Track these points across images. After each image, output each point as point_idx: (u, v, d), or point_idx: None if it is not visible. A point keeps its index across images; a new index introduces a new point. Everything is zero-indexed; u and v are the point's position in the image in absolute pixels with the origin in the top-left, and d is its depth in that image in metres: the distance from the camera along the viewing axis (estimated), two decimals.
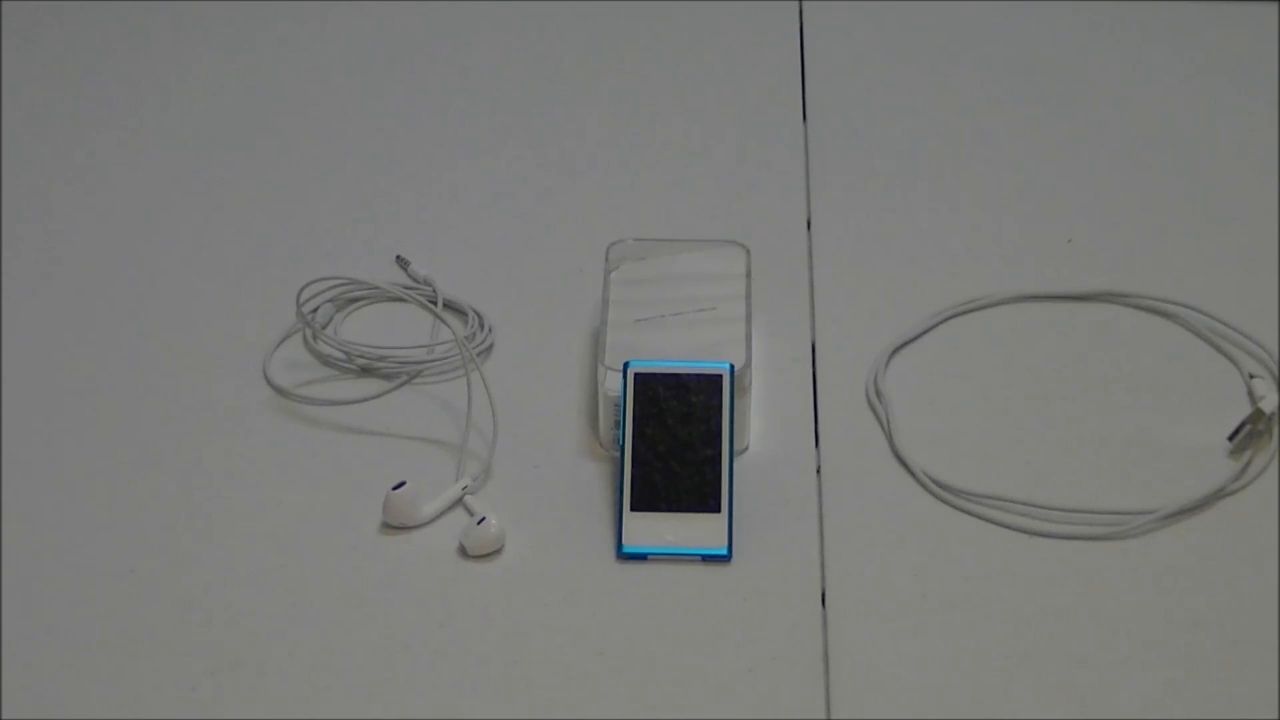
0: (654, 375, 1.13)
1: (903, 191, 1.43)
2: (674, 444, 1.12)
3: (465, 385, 1.19)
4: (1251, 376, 1.22)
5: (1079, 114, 1.52)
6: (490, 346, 1.27)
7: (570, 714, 1.00)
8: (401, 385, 1.23)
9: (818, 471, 1.16)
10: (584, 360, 1.25)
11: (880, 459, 1.17)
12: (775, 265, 1.33)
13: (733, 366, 1.13)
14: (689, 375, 1.13)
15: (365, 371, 1.25)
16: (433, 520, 1.12)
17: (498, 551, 1.10)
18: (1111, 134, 1.49)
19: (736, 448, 1.14)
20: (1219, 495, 1.13)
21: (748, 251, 1.25)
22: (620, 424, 1.13)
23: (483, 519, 1.10)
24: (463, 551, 1.10)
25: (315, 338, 1.26)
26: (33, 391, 1.23)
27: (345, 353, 1.25)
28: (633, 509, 1.11)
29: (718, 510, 1.10)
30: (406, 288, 1.30)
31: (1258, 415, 1.16)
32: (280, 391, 1.23)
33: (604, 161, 1.47)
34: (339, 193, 1.43)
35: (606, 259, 1.25)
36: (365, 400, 1.21)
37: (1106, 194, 1.42)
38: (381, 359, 1.24)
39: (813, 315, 1.29)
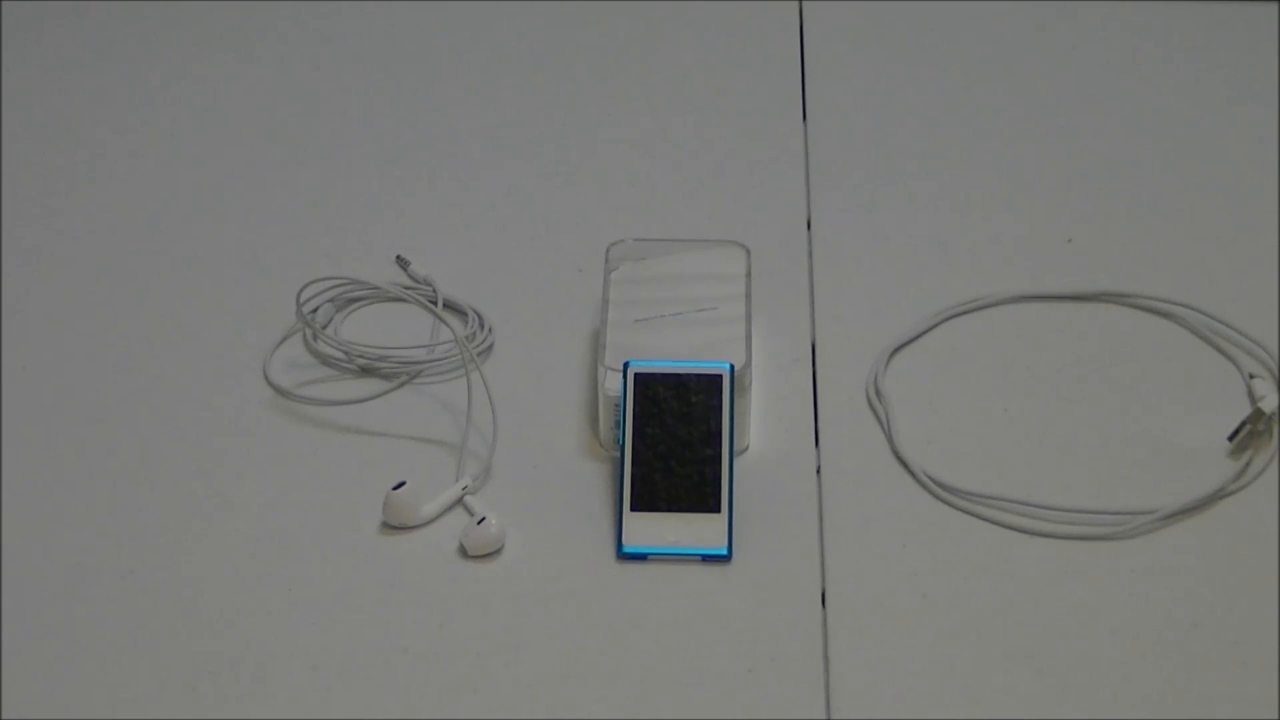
0: (654, 375, 1.13)
1: (903, 191, 1.43)
2: (674, 444, 1.12)
3: (465, 385, 1.19)
4: (1251, 376, 1.22)
5: (1079, 114, 1.52)
6: (490, 346, 1.27)
7: (570, 714, 1.00)
8: (401, 385, 1.23)
9: (818, 471, 1.16)
10: (584, 360, 1.25)
11: (880, 459, 1.17)
12: (775, 265, 1.33)
13: (733, 366, 1.13)
14: (689, 375, 1.13)
15: (365, 371, 1.25)
16: (433, 520, 1.12)
17: (498, 551, 1.10)
18: (1111, 134, 1.49)
19: (736, 448, 1.14)
20: (1219, 495, 1.13)
21: (748, 251, 1.25)
22: (620, 424, 1.13)
23: (483, 519, 1.10)
24: (463, 551, 1.10)
25: (315, 338, 1.26)
26: (33, 391, 1.23)
27: (345, 353, 1.25)
28: (633, 509, 1.11)
29: (718, 510, 1.10)
30: (406, 288, 1.30)
31: (1258, 415, 1.16)
32: (280, 391, 1.23)
33: (604, 161, 1.47)
34: (339, 193, 1.43)
35: (606, 259, 1.25)
36: (365, 400, 1.21)
37: (1106, 194, 1.42)
38: (381, 359, 1.24)
39: (813, 315, 1.29)
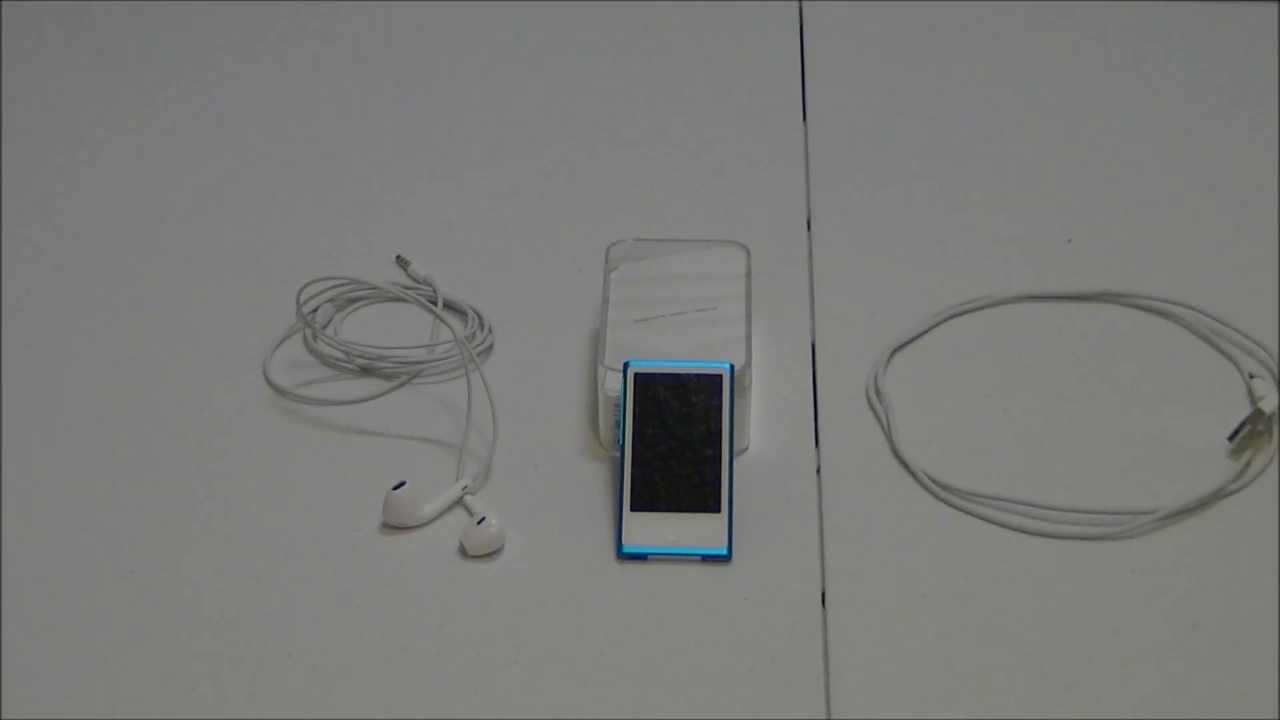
0: (654, 375, 1.13)
1: (903, 191, 1.43)
2: (674, 444, 1.12)
3: (465, 385, 1.19)
4: (1251, 376, 1.22)
5: (1079, 114, 1.52)
6: (490, 346, 1.27)
7: (570, 714, 1.00)
8: (401, 385, 1.23)
9: (818, 471, 1.16)
10: (584, 360, 1.25)
11: (880, 459, 1.17)
12: (775, 265, 1.33)
13: (733, 366, 1.13)
14: (689, 375, 1.13)
15: (365, 371, 1.25)
16: (433, 520, 1.12)
17: (498, 551, 1.10)
18: (1111, 134, 1.49)
19: (736, 448, 1.14)
20: (1219, 495, 1.13)
21: (748, 251, 1.25)
22: (620, 424, 1.13)
23: (483, 519, 1.10)
24: (463, 551, 1.10)
25: (315, 338, 1.26)
26: (33, 391, 1.23)
27: (345, 353, 1.25)
28: (633, 509, 1.11)
29: (718, 510, 1.10)
30: (406, 288, 1.30)
31: (1258, 415, 1.16)
32: (280, 391, 1.23)
33: (604, 161, 1.47)
34: (339, 193, 1.43)
35: (606, 259, 1.25)
36: (365, 400, 1.21)
37: (1106, 194, 1.42)
38: (381, 359, 1.24)
39: (813, 315, 1.29)
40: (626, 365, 1.13)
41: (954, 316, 1.29)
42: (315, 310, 1.28)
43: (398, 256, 1.35)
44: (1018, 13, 1.66)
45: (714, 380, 1.13)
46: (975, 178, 1.44)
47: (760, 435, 1.19)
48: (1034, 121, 1.51)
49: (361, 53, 1.62)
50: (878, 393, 1.21)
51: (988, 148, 1.48)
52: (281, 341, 1.27)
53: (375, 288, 1.29)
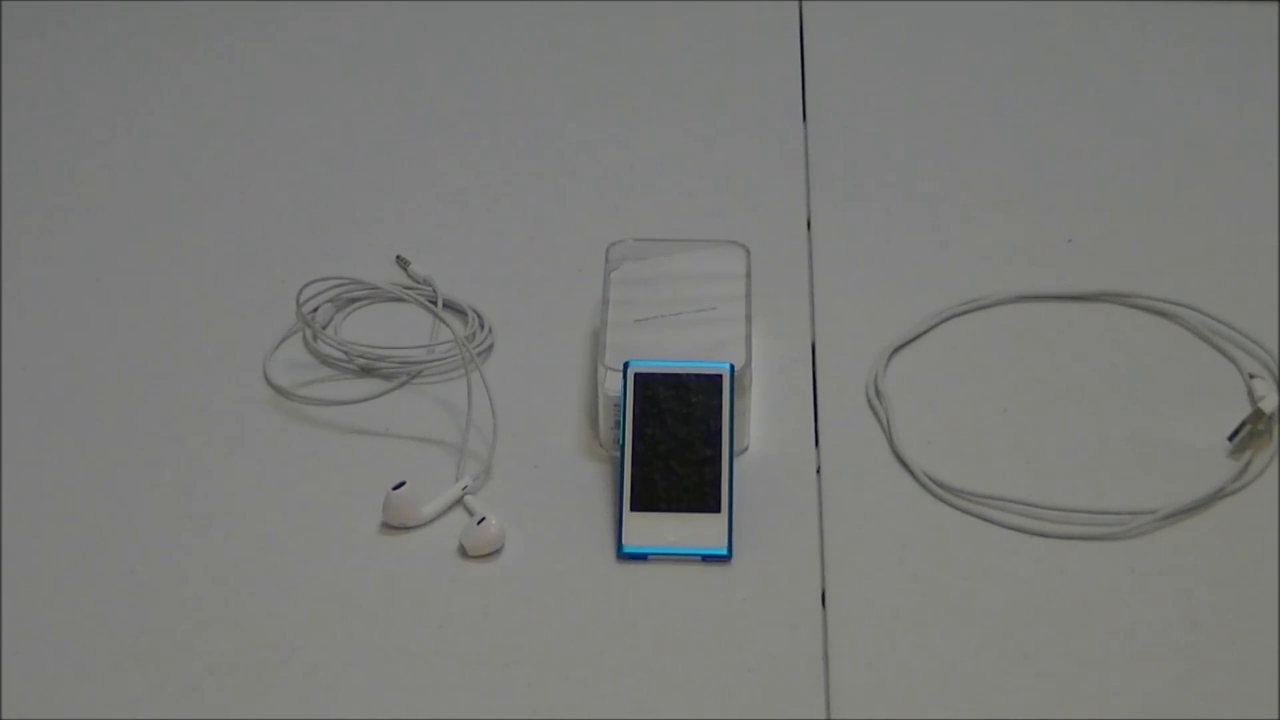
0: (654, 375, 1.13)
1: (903, 192, 1.43)
2: (674, 444, 1.12)
3: (465, 385, 1.19)
4: (1251, 376, 1.22)
5: (1079, 114, 1.52)
6: (490, 346, 1.27)
7: (570, 714, 1.00)
8: (401, 385, 1.23)
9: (818, 471, 1.16)
10: (584, 360, 1.25)
11: (880, 459, 1.17)
12: (775, 265, 1.33)
13: (733, 366, 1.13)
14: (689, 375, 1.13)
15: (365, 371, 1.25)
16: (433, 520, 1.12)
17: (498, 551, 1.10)
18: (1111, 134, 1.49)
19: (736, 448, 1.14)
20: (1219, 495, 1.13)
21: (748, 251, 1.25)
22: (620, 424, 1.13)
23: (483, 519, 1.10)
24: (463, 551, 1.10)
25: (315, 338, 1.26)
26: (33, 391, 1.23)
27: (345, 353, 1.25)
28: (633, 509, 1.11)
29: (718, 510, 1.10)
30: (406, 288, 1.30)
31: (1258, 415, 1.16)
32: (280, 391, 1.23)
33: (604, 161, 1.47)
34: (339, 193, 1.43)
35: (606, 259, 1.25)
36: (365, 400, 1.21)
37: (1106, 194, 1.42)
38: (381, 359, 1.24)
39: (813, 315, 1.29)
40: (626, 365, 1.13)
41: (954, 316, 1.29)
42: (315, 310, 1.28)
43: (398, 256, 1.35)
44: (1018, 13, 1.66)
45: (714, 380, 1.13)
46: (974, 178, 1.44)
47: (760, 435, 1.19)
48: (1034, 121, 1.51)
49: (361, 52, 1.62)
50: (878, 393, 1.21)
51: (987, 148, 1.48)
52: (281, 341, 1.27)
53: (375, 288, 1.29)
